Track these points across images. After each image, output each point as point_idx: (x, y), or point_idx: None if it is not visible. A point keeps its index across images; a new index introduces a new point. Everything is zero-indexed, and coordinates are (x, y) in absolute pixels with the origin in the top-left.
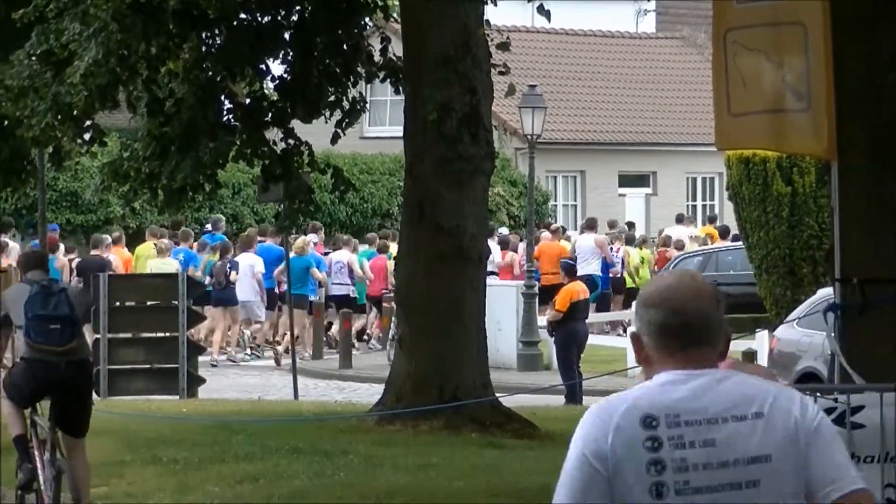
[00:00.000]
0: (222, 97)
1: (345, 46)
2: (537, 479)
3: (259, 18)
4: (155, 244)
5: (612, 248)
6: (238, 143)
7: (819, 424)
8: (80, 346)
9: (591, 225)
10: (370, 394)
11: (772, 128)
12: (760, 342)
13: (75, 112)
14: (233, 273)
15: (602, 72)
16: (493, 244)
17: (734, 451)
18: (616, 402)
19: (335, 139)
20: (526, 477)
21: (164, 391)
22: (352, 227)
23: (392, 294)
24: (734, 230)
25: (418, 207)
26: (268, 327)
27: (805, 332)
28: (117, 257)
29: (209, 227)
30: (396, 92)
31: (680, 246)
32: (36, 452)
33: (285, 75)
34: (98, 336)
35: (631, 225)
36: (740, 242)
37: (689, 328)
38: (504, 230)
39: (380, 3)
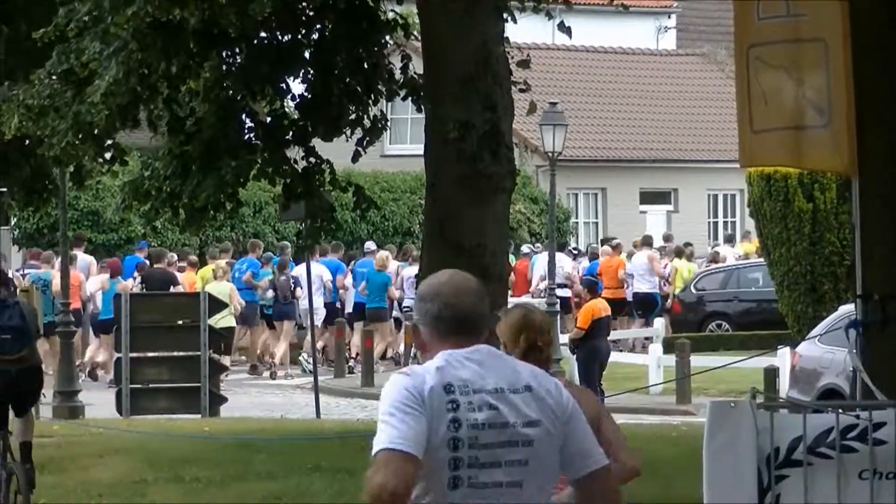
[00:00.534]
0: (243, 116)
1: (365, 65)
2: None
3: (279, 37)
4: (213, 269)
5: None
6: (259, 161)
7: (574, 410)
8: (30, 355)
9: (646, 241)
10: None
11: (793, 144)
12: (782, 359)
13: (96, 131)
14: (297, 289)
15: (623, 89)
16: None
17: (513, 415)
18: (421, 371)
19: (356, 157)
20: None
21: (186, 410)
22: None
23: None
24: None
25: (439, 225)
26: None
27: (827, 349)
28: (185, 279)
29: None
30: (417, 110)
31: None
32: None
33: (306, 94)
34: (120, 355)
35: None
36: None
37: (459, 319)
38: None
39: (400, 22)
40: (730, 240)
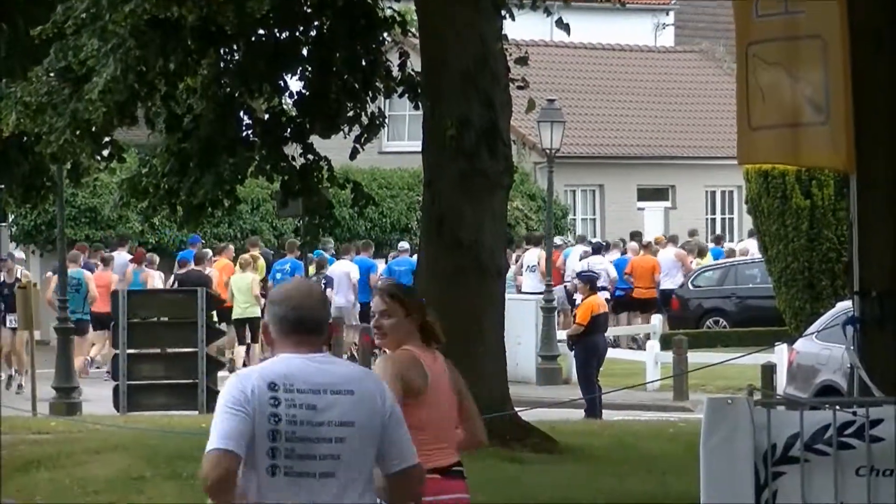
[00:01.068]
0: (241, 113)
1: (363, 62)
2: (556, 492)
3: (277, 34)
4: (240, 261)
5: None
6: (257, 158)
7: (393, 412)
8: None
9: (672, 239)
10: None
11: (791, 142)
12: (780, 355)
13: (94, 128)
14: (328, 289)
15: (620, 85)
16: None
17: (330, 414)
18: (251, 372)
19: (354, 154)
20: (545, 491)
21: (183, 406)
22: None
23: None
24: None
25: (437, 222)
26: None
27: (824, 346)
28: (217, 271)
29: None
30: (415, 107)
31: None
32: None
33: (304, 91)
34: (117, 351)
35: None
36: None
37: (301, 321)
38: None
39: (398, 19)
40: (718, 241)
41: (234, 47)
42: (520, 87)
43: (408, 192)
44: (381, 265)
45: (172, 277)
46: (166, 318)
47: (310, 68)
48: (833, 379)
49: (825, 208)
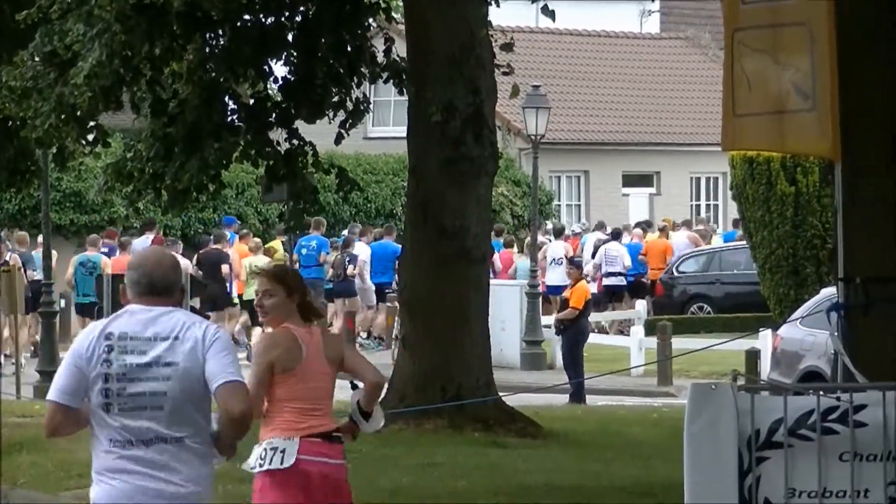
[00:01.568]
0: (226, 98)
1: (348, 47)
2: (540, 477)
3: (263, 19)
4: (251, 244)
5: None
6: (242, 143)
7: (215, 341)
8: None
9: (686, 223)
10: None
11: (776, 128)
12: (764, 341)
13: (79, 113)
14: (350, 267)
15: (606, 72)
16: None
17: (156, 358)
18: (95, 326)
19: (339, 140)
20: (529, 476)
21: None
22: None
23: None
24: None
25: (422, 208)
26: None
27: (808, 332)
28: (237, 255)
29: (345, 232)
30: (400, 93)
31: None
32: None
33: (289, 76)
34: None
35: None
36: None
37: (152, 284)
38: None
39: (383, 5)
40: (736, 224)
41: (220, 32)
42: (505, 73)
43: (393, 177)
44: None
45: (195, 257)
46: None
47: (295, 54)
48: (817, 365)
49: (810, 195)
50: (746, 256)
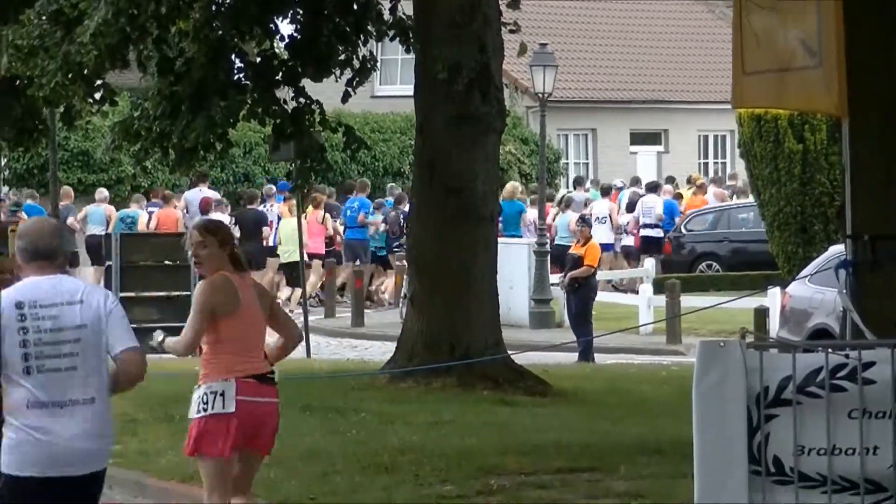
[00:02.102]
0: (233, 56)
1: (354, 5)
2: (549, 435)
3: None
4: (287, 207)
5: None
6: (249, 102)
7: (113, 310)
8: None
9: (715, 180)
10: (382, 352)
11: (784, 86)
12: (772, 299)
13: (85, 71)
14: (383, 227)
15: (613, 30)
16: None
17: (67, 322)
18: (5, 295)
19: (346, 98)
20: (537, 434)
21: None
22: None
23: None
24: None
25: (429, 166)
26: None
27: (817, 289)
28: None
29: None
30: (406, 51)
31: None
32: None
33: (295, 34)
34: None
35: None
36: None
37: (37, 251)
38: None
39: None
40: (580, 183)
41: None
42: (512, 31)
43: (400, 136)
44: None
45: (233, 218)
46: (160, 262)
47: (301, 11)
48: (826, 322)
49: (818, 152)
50: (755, 214)
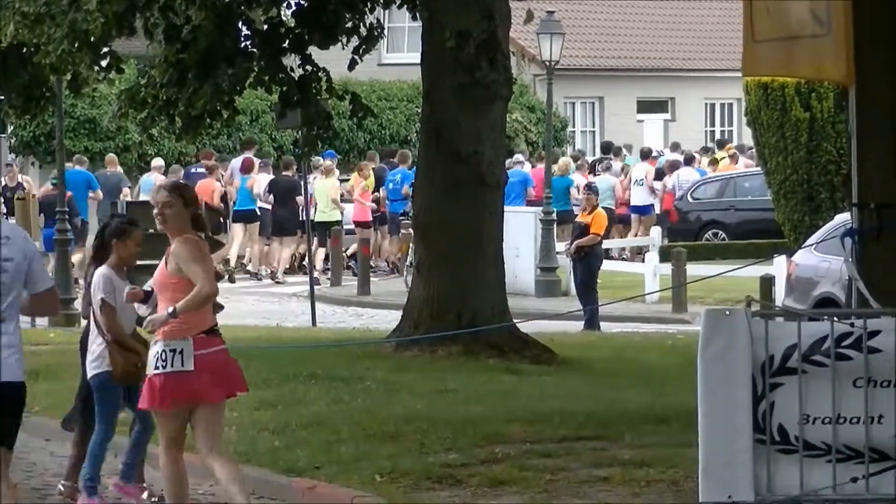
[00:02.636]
0: (240, 23)
1: None
2: (554, 404)
3: None
4: (323, 167)
5: None
6: (256, 69)
7: (33, 253)
8: None
9: (741, 149)
10: (388, 320)
11: (793, 54)
12: (778, 268)
13: (92, 39)
14: None
15: None
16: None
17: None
18: None
19: (352, 66)
20: (542, 402)
21: None
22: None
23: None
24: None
25: (435, 133)
26: None
27: (823, 258)
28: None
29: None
30: (414, 18)
31: None
32: None
33: (302, 2)
34: None
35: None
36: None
37: None
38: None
39: None
40: (616, 153)
41: None
42: None
43: (407, 104)
44: None
45: (267, 185)
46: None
47: None
48: (831, 291)
49: (824, 121)
50: (761, 182)
